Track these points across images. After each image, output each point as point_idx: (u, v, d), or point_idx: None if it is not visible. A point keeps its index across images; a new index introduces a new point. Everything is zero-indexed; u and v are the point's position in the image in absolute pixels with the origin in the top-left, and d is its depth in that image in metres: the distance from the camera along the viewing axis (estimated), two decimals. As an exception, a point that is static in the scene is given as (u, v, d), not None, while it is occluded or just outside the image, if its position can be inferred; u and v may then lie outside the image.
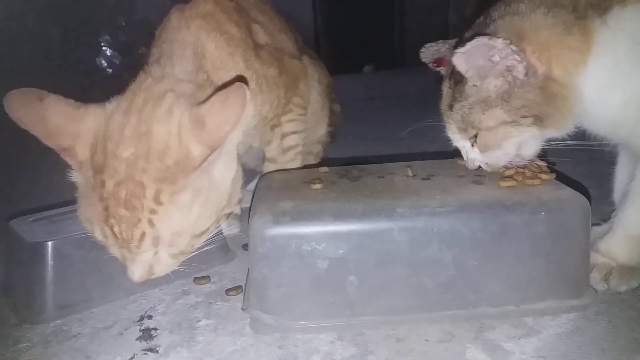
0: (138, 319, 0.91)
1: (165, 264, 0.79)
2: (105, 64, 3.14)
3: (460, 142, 0.96)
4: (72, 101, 0.77)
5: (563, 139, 0.91)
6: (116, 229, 0.74)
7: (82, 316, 0.93)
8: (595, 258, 0.93)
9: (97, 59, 3.13)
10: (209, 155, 0.72)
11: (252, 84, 0.97)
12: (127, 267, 0.79)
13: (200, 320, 0.89)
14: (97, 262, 0.96)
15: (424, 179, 0.94)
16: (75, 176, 0.80)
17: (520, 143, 0.90)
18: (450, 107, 0.94)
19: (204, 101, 0.75)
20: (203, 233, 0.81)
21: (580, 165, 1.02)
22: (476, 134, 0.91)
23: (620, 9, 0.80)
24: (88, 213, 0.77)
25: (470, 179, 0.93)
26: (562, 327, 0.82)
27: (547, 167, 0.93)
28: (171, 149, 0.72)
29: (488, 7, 0.94)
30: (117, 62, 3.15)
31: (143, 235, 0.73)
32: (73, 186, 0.82)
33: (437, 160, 1.05)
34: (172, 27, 0.96)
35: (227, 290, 0.97)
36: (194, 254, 0.83)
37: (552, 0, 0.84)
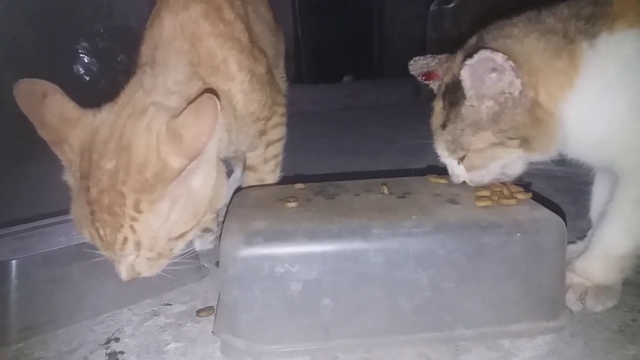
0: (105, 341, 0.88)
1: (147, 266, 0.83)
2: (83, 71, 3.09)
3: (446, 159, 0.97)
4: (72, 105, 0.81)
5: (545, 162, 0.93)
6: (101, 232, 0.77)
7: (46, 338, 0.90)
8: (571, 278, 0.92)
9: (74, 66, 3.07)
10: (187, 166, 0.76)
11: (245, 84, 0.99)
12: (115, 266, 0.83)
13: (169, 344, 0.86)
14: (64, 281, 0.93)
15: (399, 197, 0.93)
16: (67, 176, 0.83)
17: (505, 164, 0.92)
18: (443, 126, 0.94)
19: (179, 114, 0.77)
20: (181, 237, 0.82)
21: (555, 179, 1.01)
22: (463, 156, 0.93)
23: (608, 35, 0.81)
24: (78, 213, 0.81)
25: (446, 197, 0.92)
26: (538, 349, 0.81)
27: (523, 187, 0.93)
28: (150, 162, 0.75)
29: (473, 26, 0.94)
30: (95, 70, 3.09)
31: (125, 239, 0.77)
32: (66, 186, 0.84)
33: (413, 178, 1.04)
34: (165, 30, 0.95)
35: (198, 311, 0.94)
36: (174, 259, 0.86)
37: (544, 27, 0.86)
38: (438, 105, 0.97)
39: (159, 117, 0.79)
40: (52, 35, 2.98)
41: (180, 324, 0.92)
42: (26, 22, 2.92)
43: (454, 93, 0.90)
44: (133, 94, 0.84)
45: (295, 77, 3.83)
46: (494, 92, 0.85)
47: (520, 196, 0.89)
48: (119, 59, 3.08)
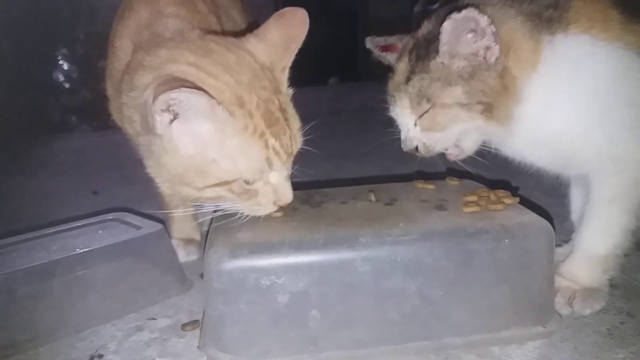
0: (88, 358, 0.86)
1: None
2: (62, 79, 3.05)
3: (404, 119, 0.96)
4: None
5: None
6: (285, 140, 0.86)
7: (27, 357, 0.87)
8: (559, 281, 0.92)
9: (53, 73, 3.03)
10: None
11: None
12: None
13: (154, 359, 0.84)
14: (45, 297, 0.91)
15: (387, 204, 0.92)
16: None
17: (463, 131, 0.92)
18: (407, 80, 0.93)
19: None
20: None
21: (542, 181, 1.01)
22: (426, 110, 0.91)
23: (563, 37, 0.85)
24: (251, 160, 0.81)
25: (433, 204, 0.91)
26: (528, 355, 0.81)
27: (510, 191, 0.92)
28: (266, 64, 0.88)
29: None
30: (75, 77, 3.05)
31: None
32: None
33: (400, 184, 1.03)
34: (143, 16, 0.99)
35: (183, 325, 0.92)
36: None
37: (521, 9, 0.88)
38: (402, 62, 0.96)
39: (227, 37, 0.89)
40: (32, 42, 2.93)
41: (165, 339, 0.90)
42: (5, 28, 2.87)
43: (425, 48, 0.90)
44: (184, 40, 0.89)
45: (280, 80, 3.80)
46: (467, 52, 0.86)
47: (508, 201, 0.89)
48: (99, 65, 3.04)
